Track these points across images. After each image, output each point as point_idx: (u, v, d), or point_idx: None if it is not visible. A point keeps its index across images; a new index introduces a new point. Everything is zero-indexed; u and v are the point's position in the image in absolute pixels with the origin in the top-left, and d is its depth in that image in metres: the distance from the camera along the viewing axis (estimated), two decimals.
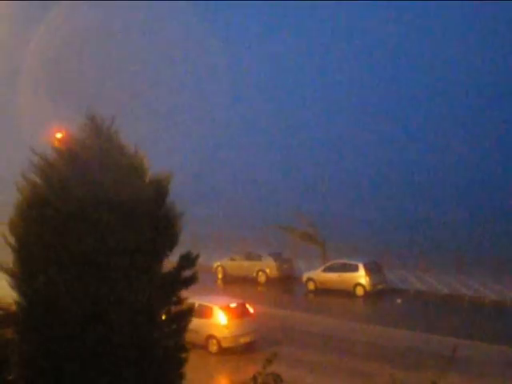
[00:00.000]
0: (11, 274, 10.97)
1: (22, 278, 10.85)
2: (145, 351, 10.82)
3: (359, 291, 37.29)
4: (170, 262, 11.49)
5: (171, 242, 11.50)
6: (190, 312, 11.59)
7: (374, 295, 37.16)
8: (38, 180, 11.02)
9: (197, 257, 11.64)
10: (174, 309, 11.44)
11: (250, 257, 43.26)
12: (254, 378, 10.03)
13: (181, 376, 11.42)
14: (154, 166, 11.57)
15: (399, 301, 35.68)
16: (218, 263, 43.97)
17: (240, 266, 43.02)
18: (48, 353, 10.60)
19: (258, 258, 42.85)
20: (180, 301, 11.49)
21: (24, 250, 10.93)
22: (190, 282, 11.56)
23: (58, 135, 19.87)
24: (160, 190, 11.44)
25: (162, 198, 11.43)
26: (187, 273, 11.53)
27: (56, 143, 11.84)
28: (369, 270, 37.53)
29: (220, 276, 43.64)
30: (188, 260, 11.57)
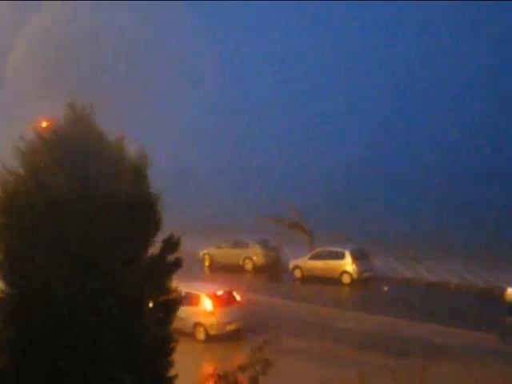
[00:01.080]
0: None
1: (6, 267, 10.79)
2: (133, 340, 10.78)
3: (346, 279, 37.32)
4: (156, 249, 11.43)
5: (154, 227, 11.44)
6: (177, 301, 11.55)
7: (361, 283, 37.22)
8: (19, 169, 10.95)
9: (179, 240, 11.57)
10: (161, 297, 11.41)
11: (236, 244, 43.18)
12: (243, 366, 10.05)
13: (169, 364, 11.41)
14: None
15: (386, 288, 35.76)
16: (205, 251, 43.88)
17: (227, 253, 42.94)
18: (34, 339, 10.56)
19: (245, 245, 42.78)
20: (168, 289, 11.45)
21: (8, 239, 10.86)
22: (174, 266, 11.52)
23: (44, 124, 19.70)
24: (139, 174, 11.37)
25: (140, 183, 11.36)
26: (171, 258, 11.48)
27: (39, 132, 11.73)
28: (355, 258, 37.55)
29: (207, 264, 43.57)
30: (171, 244, 11.51)
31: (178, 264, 11.55)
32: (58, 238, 10.54)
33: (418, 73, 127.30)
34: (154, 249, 11.43)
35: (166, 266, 11.48)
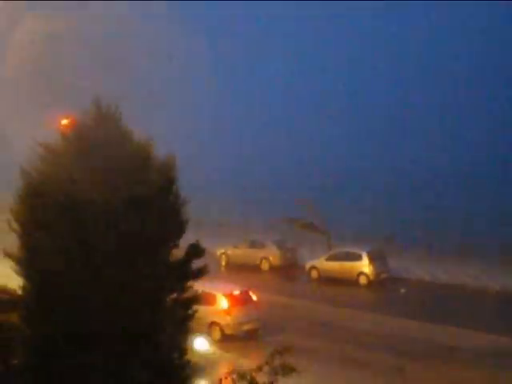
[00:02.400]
0: (16, 259, 11.02)
1: (27, 264, 10.90)
2: (150, 337, 10.87)
3: (362, 280, 37.24)
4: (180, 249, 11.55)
5: (179, 230, 11.52)
6: (196, 300, 11.64)
7: (378, 284, 37.13)
8: (42, 167, 11.04)
9: (204, 248, 11.71)
10: (180, 296, 11.49)
11: (253, 244, 43.22)
12: (260, 366, 10.10)
13: (186, 362, 11.49)
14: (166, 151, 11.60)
15: (402, 290, 35.66)
16: (222, 250, 43.93)
17: (244, 253, 42.98)
18: (52, 337, 10.65)
19: (262, 245, 42.80)
20: (186, 289, 11.54)
21: (28, 236, 10.97)
22: (200, 273, 11.62)
23: (64, 121, 19.81)
24: (167, 177, 11.45)
25: (169, 186, 11.44)
26: (198, 264, 11.58)
27: (62, 129, 11.85)
28: (372, 259, 37.46)
29: (223, 263, 43.63)
30: (196, 250, 11.61)
31: (203, 271, 11.68)
32: (78, 235, 10.63)
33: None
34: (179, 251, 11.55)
35: (191, 271, 11.58)
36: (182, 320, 11.50)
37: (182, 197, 11.54)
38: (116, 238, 10.59)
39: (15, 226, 11.11)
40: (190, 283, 11.62)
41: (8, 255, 11.01)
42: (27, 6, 68.30)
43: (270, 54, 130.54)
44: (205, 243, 11.84)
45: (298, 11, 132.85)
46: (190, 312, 11.57)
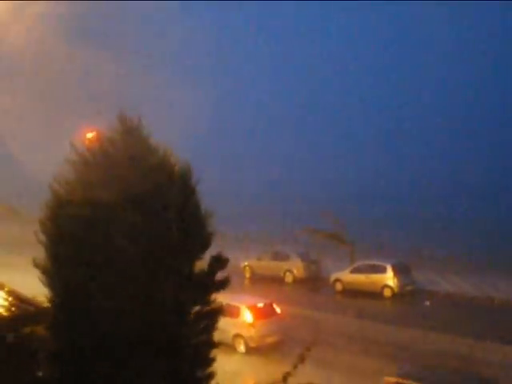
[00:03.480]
0: (43, 270, 11.11)
1: (54, 275, 10.97)
2: (175, 349, 10.88)
3: (387, 293, 37.07)
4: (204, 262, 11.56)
5: (203, 243, 11.55)
6: (219, 311, 11.65)
7: (402, 297, 36.91)
8: (69, 179, 11.15)
9: (227, 259, 11.72)
10: (203, 308, 11.51)
11: (277, 257, 43.20)
12: (284, 379, 10.08)
13: (210, 375, 11.49)
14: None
15: (427, 303, 35.42)
16: (246, 263, 43.96)
17: (267, 265, 42.97)
18: (78, 349, 10.70)
19: (286, 258, 42.77)
20: (210, 300, 11.56)
21: (55, 248, 11.05)
22: (222, 285, 11.64)
23: (89, 135, 19.97)
24: (186, 187, 11.51)
25: (188, 197, 11.49)
26: (220, 276, 11.60)
27: (87, 143, 11.97)
28: (397, 272, 37.28)
29: (247, 276, 43.64)
30: (219, 262, 11.63)
31: (225, 283, 11.69)
32: (103, 248, 10.69)
33: None
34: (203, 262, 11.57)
35: (214, 283, 11.60)
36: (205, 332, 11.51)
37: (206, 209, 11.58)
38: (140, 251, 10.64)
39: (42, 237, 11.21)
40: (213, 295, 11.63)
41: (36, 266, 11.10)
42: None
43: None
44: (228, 255, 11.85)
45: None
46: (213, 324, 11.59)
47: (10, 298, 10.53)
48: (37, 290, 11.36)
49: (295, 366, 10.13)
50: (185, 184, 11.47)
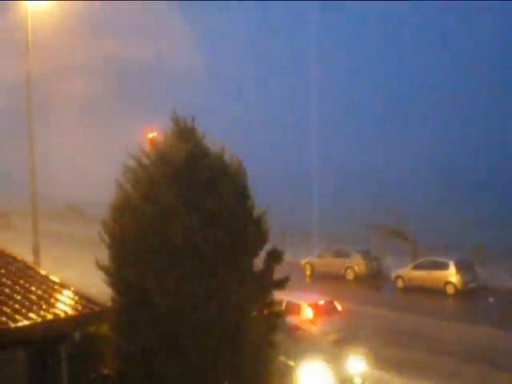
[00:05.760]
0: (106, 270, 11.36)
1: (116, 275, 11.20)
2: (236, 349, 10.99)
3: (450, 289, 36.53)
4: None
5: (261, 239, 11.64)
6: (280, 315, 11.74)
7: (465, 294, 36.34)
8: (129, 183, 11.39)
9: (283, 252, 11.77)
10: (264, 307, 11.59)
11: (338, 254, 43.05)
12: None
13: (270, 372, 11.58)
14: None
15: (491, 299, 34.78)
16: (307, 260, 43.94)
17: (328, 262, 42.86)
18: (141, 348, 10.90)
19: (347, 255, 42.59)
20: (271, 300, 11.65)
21: (117, 248, 11.29)
22: (282, 284, 11.72)
23: (150, 135, 20.31)
24: (241, 184, 11.62)
25: (244, 193, 11.60)
26: (279, 275, 11.69)
27: (148, 144, 12.21)
28: (460, 268, 36.73)
29: (308, 273, 43.59)
30: (275, 256, 11.70)
31: (285, 282, 11.77)
32: (164, 248, 10.88)
33: None
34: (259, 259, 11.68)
35: (275, 282, 11.69)
36: (267, 332, 11.59)
37: (260, 206, 11.69)
38: (199, 250, 10.79)
39: (105, 238, 11.46)
40: (273, 294, 11.72)
41: (99, 267, 11.36)
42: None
43: None
44: (288, 253, 11.91)
45: None
46: (275, 325, 11.67)
47: (76, 298, 10.79)
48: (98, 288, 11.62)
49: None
50: (239, 182, 11.59)
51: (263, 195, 12.27)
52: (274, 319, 11.70)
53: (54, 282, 11.34)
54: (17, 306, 10.26)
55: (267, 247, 12.03)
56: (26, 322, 9.81)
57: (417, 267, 38.30)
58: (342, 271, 42.04)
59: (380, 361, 22.54)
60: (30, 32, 27.06)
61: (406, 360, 24.47)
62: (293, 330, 19.83)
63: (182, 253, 10.78)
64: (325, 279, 41.16)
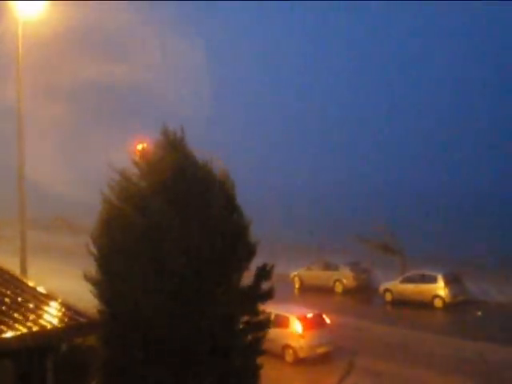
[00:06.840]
0: (94, 282, 11.33)
1: (105, 287, 11.18)
2: (224, 359, 11.00)
3: (438, 303, 36.58)
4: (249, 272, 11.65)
5: (248, 252, 11.65)
6: (267, 324, 11.74)
7: (453, 307, 36.38)
8: (115, 195, 11.38)
9: (272, 268, 11.80)
10: (251, 319, 11.60)
11: (327, 267, 43.04)
12: None
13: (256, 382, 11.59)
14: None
15: (479, 313, 34.86)
16: (295, 273, 43.92)
17: (317, 275, 42.83)
18: (129, 359, 10.87)
19: (335, 267, 42.58)
20: (258, 312, 11.66)
21: (105, 260, 11.27)
22: (267, 296, 11.73)
23: (139, 147, 20.31)
24: (228, 195, 11.65)
25: (231, 204, 11.63)
26: (264, 287, 11.70)
27: (137, 155, 12.20)
28: (448, 282, 36.80)
29: (297, 286, 43.57)
30: (264, 271, 11.72)
31: (270, 295, 11.78)
32: (154, 260, 10.87)
33: None
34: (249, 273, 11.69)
35: (260, 294, 11.70)
36: (253, 342, 11.60)
37: (247, 217, 11.70)
38: (190, 263, 10.79)
39: (93, 249, 11.44)
40: (260, 306, 11.73)
41: (87, 279, 11.33)
42: None
43: None
44: (277, 266, 11.92)
45: None
46: (261, 335, 11.68)
47: (63, 309, 10.76)
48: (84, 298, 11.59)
49: (342, 379, 10.18)
50: (227, 193, 11.62)
51: (257, 208, 12.30)
52: (261, 329, 11.71)
53: (41, 294, 11.31)
54: (3, 317, 10.22)
55: (257, 261, 12.03)
56: (12, 333, 9.77)
57: (405, 280, 38.34)
58: (331, 284, 42.02)
59: (368, 373, 22.57)
60: (20, 48, 26.69)
61: (394, 373, 24.49)
62: None
63: (171, 265, 10.78)
64: (313, 292, 41.14)
